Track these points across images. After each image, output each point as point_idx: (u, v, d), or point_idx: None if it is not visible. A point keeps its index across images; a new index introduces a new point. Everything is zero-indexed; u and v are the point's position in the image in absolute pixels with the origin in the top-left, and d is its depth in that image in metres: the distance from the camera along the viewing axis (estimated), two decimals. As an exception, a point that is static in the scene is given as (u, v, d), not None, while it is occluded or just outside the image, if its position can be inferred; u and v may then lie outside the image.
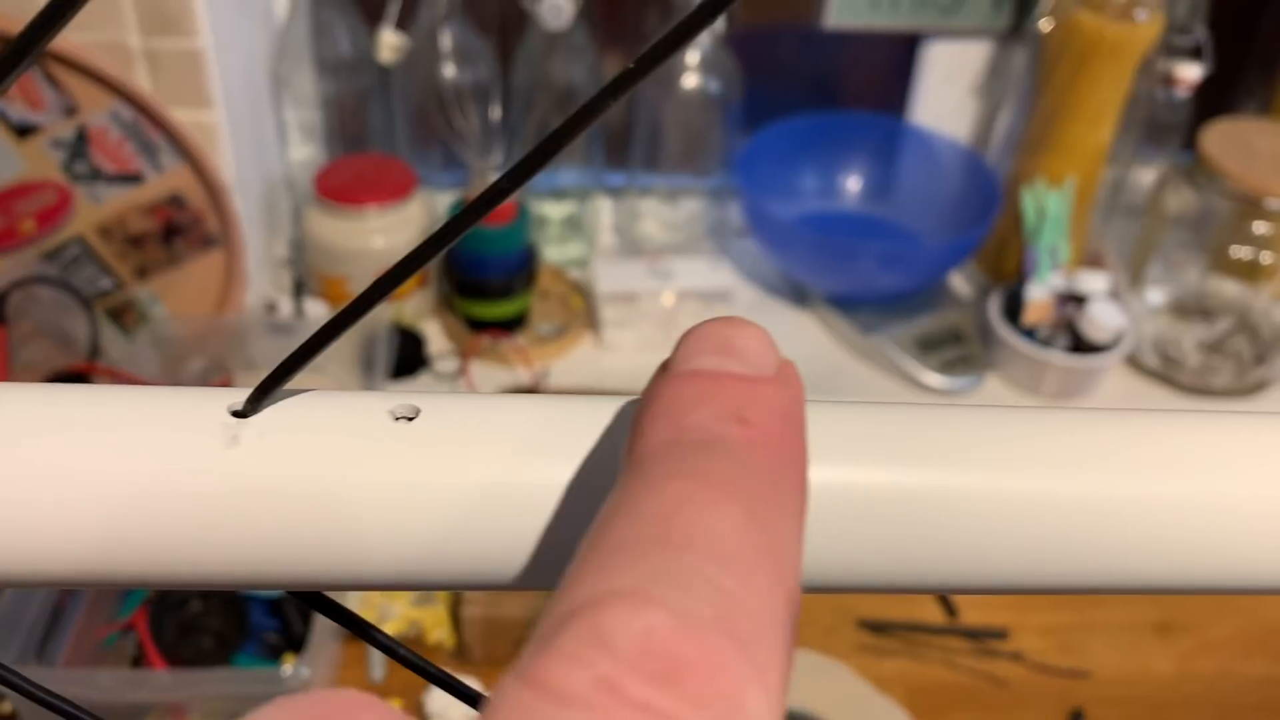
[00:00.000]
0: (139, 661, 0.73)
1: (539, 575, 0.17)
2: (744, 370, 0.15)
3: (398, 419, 0.17)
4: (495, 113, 0.96)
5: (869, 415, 0.18)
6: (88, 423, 0.16)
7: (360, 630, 0.20)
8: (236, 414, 0.16)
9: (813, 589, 0.18)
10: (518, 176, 0.15)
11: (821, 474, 0.17)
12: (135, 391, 0.17)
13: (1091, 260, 1.05)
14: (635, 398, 0.18)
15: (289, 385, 0.17)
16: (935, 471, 0.17)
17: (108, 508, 0.15)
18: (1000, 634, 0.84)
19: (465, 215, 0.15)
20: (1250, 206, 0.91)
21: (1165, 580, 0.18)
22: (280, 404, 0.17)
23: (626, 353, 0.99)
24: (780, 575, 0.13)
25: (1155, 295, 1.02)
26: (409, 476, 0.16)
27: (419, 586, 0.17)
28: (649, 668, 0.11)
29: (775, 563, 0.13)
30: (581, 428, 0.17)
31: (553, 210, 1.06)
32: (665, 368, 0.15)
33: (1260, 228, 0.91)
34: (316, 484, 0.16)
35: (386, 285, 0.15)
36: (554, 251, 1.07)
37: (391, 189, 0.94)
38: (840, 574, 0.17)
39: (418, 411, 0.17)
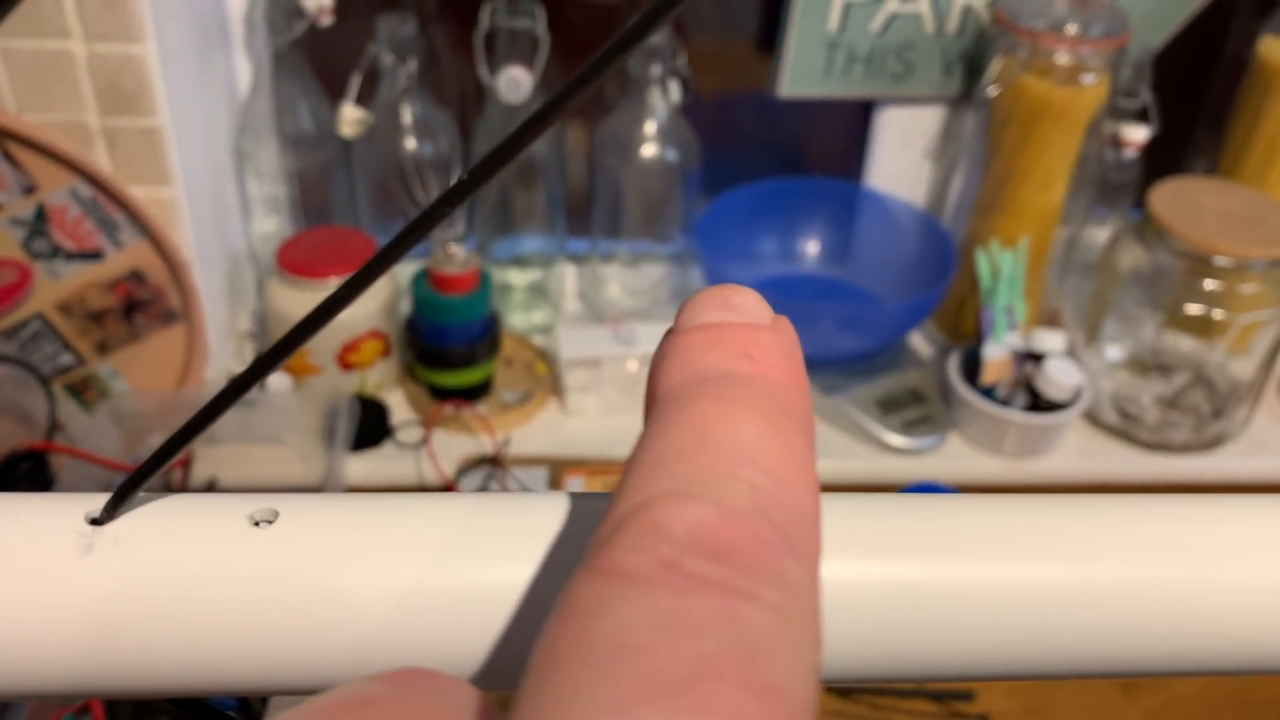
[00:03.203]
0: (93, 744, 0.72)
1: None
2: (744, 320, 0.17)
3: (256, 524, 0.17)
4: (456, 184, 0.97)
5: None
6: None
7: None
8: (94, 521, 0.17)
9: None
10: (354, 287, 0.15)
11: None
12: (-7, 501, 0.17)
13: (1048, 319, 1.06)
14: (487, 491, 0.18)
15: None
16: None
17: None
18: (967, 695, 0.83)
19: (290, 339, 0.15)
20: (1199, 264, 0.92)
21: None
22: (137, 510, 0.17)
23: (590, 418, 0.99)
24: (803, 474, 0.15)
25: (1112, 352, 1.03)
26: (261, 581, 0.16)
27: (279, 692, 0.17)
28: (702, 549, 0.13)
29: (797, 463, 0.15)
30: (436, 525, 0.17)
31: (517, 278, 1.07)
32: (671, 331, 0.18)
33: (1210, 285, 0.93)
34: (169, 592, 0.16)
35: (217, 407, 0.15)
36: (519, 319, 1.07)
37: (354, 261, 0.95)
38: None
39: (276, 515, 0.17)
